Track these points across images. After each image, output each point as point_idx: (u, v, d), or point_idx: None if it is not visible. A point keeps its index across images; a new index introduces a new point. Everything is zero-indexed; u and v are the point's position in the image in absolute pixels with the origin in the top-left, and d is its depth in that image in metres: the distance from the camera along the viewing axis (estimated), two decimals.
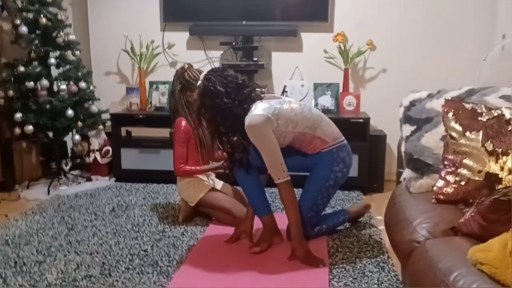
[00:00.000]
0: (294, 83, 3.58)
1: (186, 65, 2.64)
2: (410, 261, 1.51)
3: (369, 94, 3.61)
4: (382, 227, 2.52)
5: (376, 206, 2.96)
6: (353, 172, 3.23)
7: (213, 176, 2.80)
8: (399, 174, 2.11)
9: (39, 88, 3.14)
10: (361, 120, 3.28)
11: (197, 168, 2.62)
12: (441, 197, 1.76)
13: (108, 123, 3.59)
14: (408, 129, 2.03)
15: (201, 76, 2.22)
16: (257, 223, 2.35)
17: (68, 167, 3.54)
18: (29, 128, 3.14)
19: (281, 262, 2.12)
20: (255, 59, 3.54)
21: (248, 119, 2.09)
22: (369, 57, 3.58)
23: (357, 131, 3.22)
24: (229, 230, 2.43)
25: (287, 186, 2.12)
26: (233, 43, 3.53)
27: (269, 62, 3.67)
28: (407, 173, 1.96)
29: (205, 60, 3.70)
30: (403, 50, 3.54)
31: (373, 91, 3.62)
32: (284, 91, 3.53)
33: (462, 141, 1.77)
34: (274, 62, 3.68)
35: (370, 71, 3.63)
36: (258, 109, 2.11)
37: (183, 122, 2.59)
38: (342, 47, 3.48)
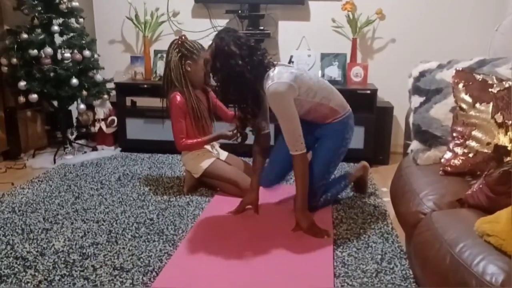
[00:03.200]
0: (301, 53, 3.51)
1: (183, 36, 2.57)
2: (415, 233, 1.51)
3: (377, 65, 3.55)
4: (387, 199, 2.52)
5: (382, 178, 2.96)
6: (359, 144, 3.22)
7: (217, 146, 2.79)
8: (406, 146, 2.09)
9: (43, 56, 3.11)
10: (368, 92, 3.23)
11: (199, 140, 2.59)
12: (449, 169, 1.75)
13: (113, 93, 3.57)
14: (417, 100, 2.00)
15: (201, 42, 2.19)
16: (263, 196, 2.35)
17: (73, 136, 3.54)
18: (34, 96, 3.12)
19: (286, 233, 2.13)
20: (262, 28, 3.47)
21: (272, 86, 2.01)
22: (378, 26, 3.51)
23: (364, 102, 3.18)
24: (234, 201, 2.44)
25: (302, 159, 2.09)
26: (239, 11, 3.46)
27: (275, 31, 3.60)
28: (414, 144, 1.93)
29: (211, 29, 3.64)
30: (413, 19, 3.46)
31: (381, 62, 3.56)
32: (290, 61, 3.47)
33: (472, 112, 1.75)
34: (281, 31, 3.62)
35: (379, 41, 3.56)
36: (280, 76, 2.04)
37: (178, 97, 2.52)
38: (351, 16, 3.40)
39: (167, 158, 3.35)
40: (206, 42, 2.57)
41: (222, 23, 3.64)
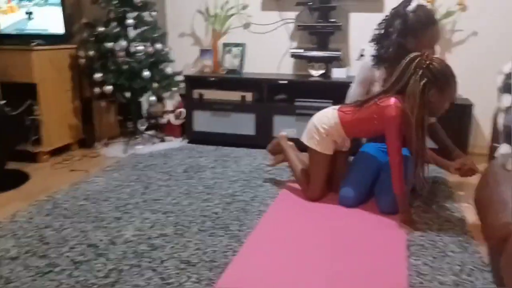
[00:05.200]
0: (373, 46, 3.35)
1: (429, 56, 2.08)
2: (507, 247, 1.37)
3: (456, 60, 3.30)
4: (464, 204, 2.36)
5: (458, 182, 2.76)
6: (433, 143, 3.02)
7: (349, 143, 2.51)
8: (493, 149, 1.92)
9: (118, 48, 3.20)
10: None
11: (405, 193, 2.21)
12: None
13: (182, 85, 3.62)
14: (509, 99, 1.82)
15: None
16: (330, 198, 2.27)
17: (143, 127, 3.64)
18: (108, 88, 3.22)
19: (357, 236, 2.04)
20: (332, 19, 3.36)
21: None
22: (458, 18, 3.27)
23: None
24: (300, 200, 2.42)
25: None
26: (310, 3, 3.37)
27: (346, 23, 3.47)
28: (504, 148, 1.76)
29: (281, 21, 3.57)
30: (499, 10, 3.18)
31: (461, 56, 3.32)
32: (361, 55, 3.33)
33: None
34: (352, 23, 3.48)
35: (459, 34, 3.32)
36: None
37: (399, 105, 2.12)
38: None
39: (232, 152, 3.35)
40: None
41: (292, 15, 3.56)
